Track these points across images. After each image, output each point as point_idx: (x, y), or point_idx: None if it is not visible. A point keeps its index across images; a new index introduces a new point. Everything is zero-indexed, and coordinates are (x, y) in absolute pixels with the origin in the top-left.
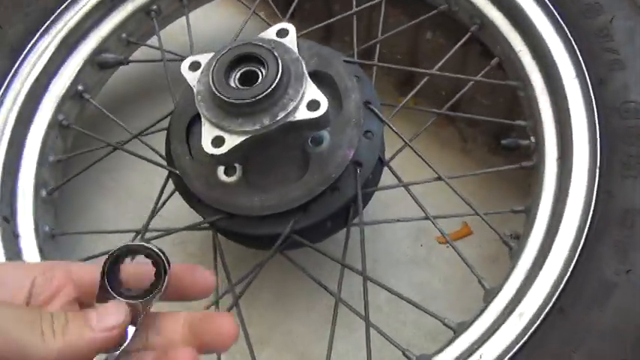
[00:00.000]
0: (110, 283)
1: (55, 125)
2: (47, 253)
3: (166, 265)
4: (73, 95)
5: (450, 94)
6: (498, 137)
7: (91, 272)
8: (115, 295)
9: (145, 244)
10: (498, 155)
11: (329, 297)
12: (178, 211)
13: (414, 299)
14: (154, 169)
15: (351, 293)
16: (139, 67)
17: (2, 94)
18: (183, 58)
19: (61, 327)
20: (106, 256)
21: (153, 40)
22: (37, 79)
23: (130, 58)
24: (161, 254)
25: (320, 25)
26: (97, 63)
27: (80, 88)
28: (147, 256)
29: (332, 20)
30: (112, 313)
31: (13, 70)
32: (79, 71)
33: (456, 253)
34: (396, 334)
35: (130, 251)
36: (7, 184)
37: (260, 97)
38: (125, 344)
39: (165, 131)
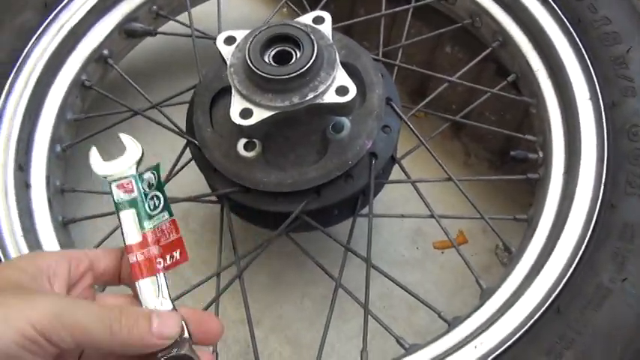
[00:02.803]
0: None
1: (77, 84)
2: (55, 207)
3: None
4: (97, 58)
5: (460, 108)
6: (499, 154)
7: (105, 261)
8: None
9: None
10: (497, 171)
11: (324, 286)
12: (184, 187)
13: (406, 298)
14: (163, 144)
15: (348, 285)
16: (160, 44)
17: (31, 46)
18: (210, 37)
19: (128, 327)
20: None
21: (181, 17)
22: (65, 38)
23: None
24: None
25: (345, 23)
26: (125, 31)
27: (105, 52)
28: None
29: (359, 19)
30: (171, 326)
31: (44, 25)
32: (107, 36)
33: (450, 260)
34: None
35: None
36: (25, 134)
37: (294, 75)
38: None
39: (183, 105)
